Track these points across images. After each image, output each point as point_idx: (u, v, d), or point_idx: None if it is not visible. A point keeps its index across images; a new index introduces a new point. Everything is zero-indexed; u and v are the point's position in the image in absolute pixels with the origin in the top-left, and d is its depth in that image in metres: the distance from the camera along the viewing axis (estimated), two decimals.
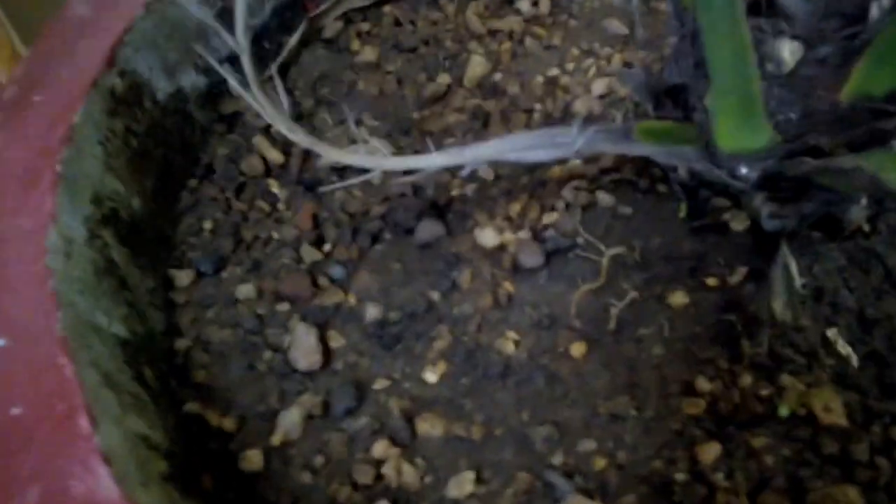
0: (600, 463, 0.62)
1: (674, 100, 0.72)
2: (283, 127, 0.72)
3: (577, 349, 0.70)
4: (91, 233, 0.69)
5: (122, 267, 0.72)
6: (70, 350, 0.58)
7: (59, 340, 0.58)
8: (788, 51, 0.57)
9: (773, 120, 0.61)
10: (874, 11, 0.56)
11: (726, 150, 0.65)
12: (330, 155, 0.67)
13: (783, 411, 0.62)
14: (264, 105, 0.73)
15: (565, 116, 0.89)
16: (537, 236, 0.78)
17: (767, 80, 0.59)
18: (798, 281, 0.69)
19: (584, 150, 0.66)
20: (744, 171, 0.65)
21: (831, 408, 0.62)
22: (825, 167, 0.59)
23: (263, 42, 1.02)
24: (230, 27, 0.90)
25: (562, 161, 0.76)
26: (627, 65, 0.92)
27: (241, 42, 0.76)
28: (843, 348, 0.68)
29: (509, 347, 0.70)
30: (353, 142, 0.92)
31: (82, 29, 0.82)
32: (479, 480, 0.62)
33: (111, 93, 0.78)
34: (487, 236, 0.78)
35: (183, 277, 0.79)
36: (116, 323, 0.68)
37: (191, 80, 0.91)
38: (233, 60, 0.96)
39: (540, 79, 0.94)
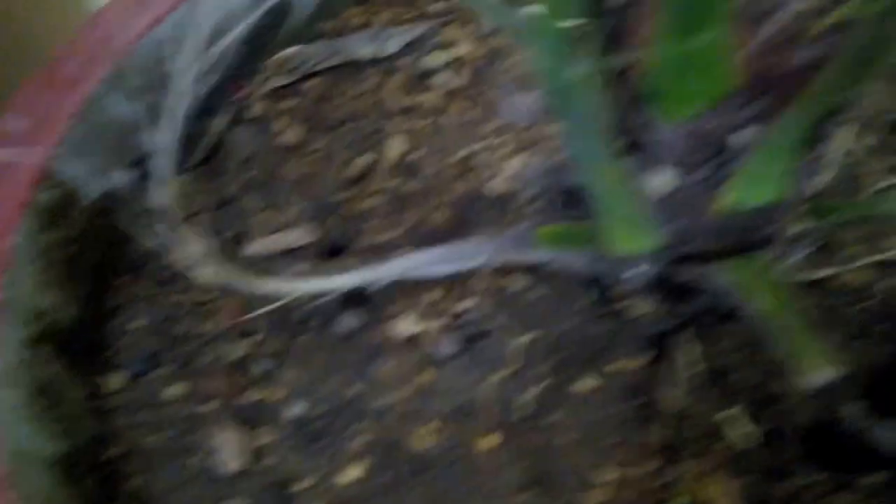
0: None
1: (576, 196, 0.76)
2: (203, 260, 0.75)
3: (491, 440, 0.73)
4: (30, 354, 0.72)
5: (59, 381, 0.75)
6: (15, 485, 0.60)
7: (4, 476, 0.61)
8: (661, 180, 0.61)
9: (657, 229, 0.65)
10: (741, 139, 0.60)
11: (618, 252, 0.69)
12: (243, 286, 0.69)
13: (681, 500, 0.67)
14: (183, 243, 0.75)
15: (481, 197, 0.93)
16: (454, 323, 0.82)
17: (645, 198, 0.63)
18: (695, 366, 0.73)
19: (489, 263, 0.69)
20: (637, 272, 0.69)
21: (727, 493, 0.67)
22: (699, 277, 0.63)
23: (190, 128, 1.04)
24: (158, 122, 0.93)
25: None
26: (538, 143, 0.95)
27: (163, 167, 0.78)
28: (742, 429, 0.73)
29: (426, 441, 0.74)
30: (281, 226, 0.95)
31: (16, 142, 0.83)
32: None
33: (46, 206, 0.80)
34: (406, 325, 0.81)
35: (114, 381, 0.81)
36: (56, 441, 0.70)
37: (119, 177, 0.93)
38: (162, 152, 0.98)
39: (457, 156, 0.97)
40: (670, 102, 0.59)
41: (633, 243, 0.67)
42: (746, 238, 0.65)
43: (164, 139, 0.92)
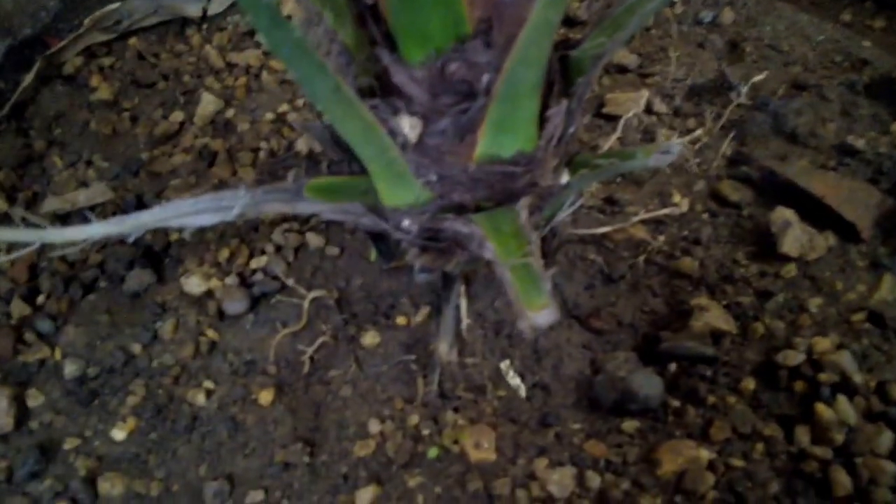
0: None
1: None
2: None
3: (266, 396, 0.72)
4: None
5: None
6: None
7: None
8: (408, 126, 0.60)
9: (418, 180, 0.65)
10: (484, 82, 0.60)
11: (389, 205, 0.68)
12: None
13: (432, 452, 0.67)
14: None
15: (288, 155, 0.91)
16: (245, 281, 0.80)
17: (401, 148, 0.62)
18: (466, 321, 0.74)
19: (250, 213, 0.68)
20: (406, 223, 0.68)
21: (482, 444, 0.67)
22: (460, 229, 0.63)
23: None
24: None
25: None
26: None
27: None
28: (513, 380, 0.73)
29: (201, 399, 0.73)
30: (83, 184, 0.92)
31: None
32: None
33: None
34: (194, 284, 0.79)
35: None
36: None
37: None
38: None
39: (270, 115, 0.96)
40: (408, 42, 0.58)
41: (397, 195, 0.67)
42: (502, 189, 0.65)
43: None
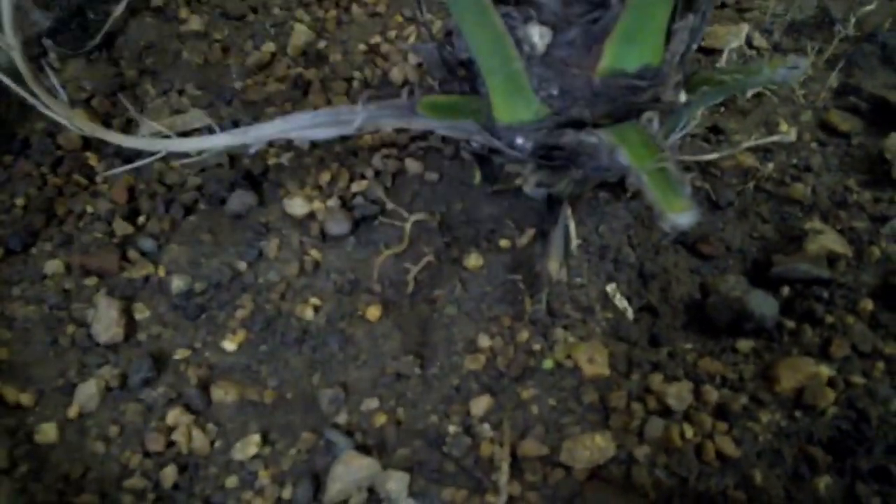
0: (381, 419, 0.66)
1: (466, 71, 0.75)
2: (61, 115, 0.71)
3: (373, 312, 0.72)
4: None
5: None
6: None
7: None
8: (538, 35, 0.60)
9: (538, 95, 0.64)
10: None
11: (503, 122, 0.68)
12: (110, 138, 0.67)
13: (547, 364, 0.67)
14: (40, 95, 0.71)
15: (383, 84, 0.91)
16: (346, 204, 0.81)
17: (526, 60, 0.62)
18: (575, 241, 0.73)
19: (368, 127, 0.68)
20: (519, 141, 0.68)
21: (595, 359, 0.67)
22: (578, 140, 0.63)
23: (88, 13, 1.00)
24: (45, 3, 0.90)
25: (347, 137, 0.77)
26: (449, 34, 0.93)
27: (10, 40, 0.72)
28: (620, 302, 0.73)
29: (309, 313, 0.73)
30: (177, 112, 0.93)
31: None
32: (265, 442, 0.65)
33: None
34: (296, 205, 0.80)
35: None
36: None
37: (7, 55, 0.89)
38: (53, 33, 0.95)
39: (362, 46, 0.96)
40: None
41: (514, 111, 0.66)
42: (624, 104, 0.65)
43: (44, 18, 0.89)
